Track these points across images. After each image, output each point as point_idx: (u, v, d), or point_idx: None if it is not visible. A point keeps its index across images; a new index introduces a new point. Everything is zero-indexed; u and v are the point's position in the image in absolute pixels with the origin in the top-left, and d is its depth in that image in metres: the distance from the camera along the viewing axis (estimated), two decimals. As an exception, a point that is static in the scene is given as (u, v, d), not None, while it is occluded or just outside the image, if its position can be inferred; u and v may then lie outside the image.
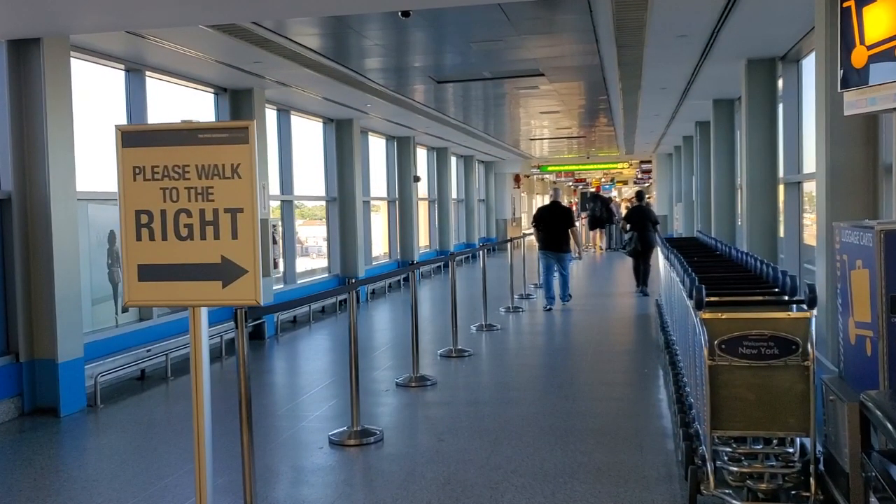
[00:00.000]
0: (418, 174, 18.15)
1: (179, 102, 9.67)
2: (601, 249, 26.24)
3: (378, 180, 17.19)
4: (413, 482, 4.83)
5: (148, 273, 3.58)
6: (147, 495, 4.76)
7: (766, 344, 4.06)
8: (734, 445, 4.30)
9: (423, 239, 20.74)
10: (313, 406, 6.96)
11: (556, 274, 12.52)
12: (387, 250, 17.89)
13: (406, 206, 17.68)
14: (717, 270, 6.49)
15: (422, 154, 20.43)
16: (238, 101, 10.16)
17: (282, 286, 11.98)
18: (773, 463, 4.21)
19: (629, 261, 15.38)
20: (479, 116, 17.15)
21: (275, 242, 10.31)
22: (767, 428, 4.14)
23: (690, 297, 4.66)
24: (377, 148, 17.17)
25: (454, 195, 22.94)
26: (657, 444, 5.45)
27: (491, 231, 28.52)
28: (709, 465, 4.18)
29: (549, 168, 34.28)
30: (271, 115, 11.77)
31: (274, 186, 11.93)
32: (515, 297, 13.04)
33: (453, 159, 22.97)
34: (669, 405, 6.29)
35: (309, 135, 13.61)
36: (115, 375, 7.47)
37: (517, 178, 31.41)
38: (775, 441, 4.26)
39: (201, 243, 3.53)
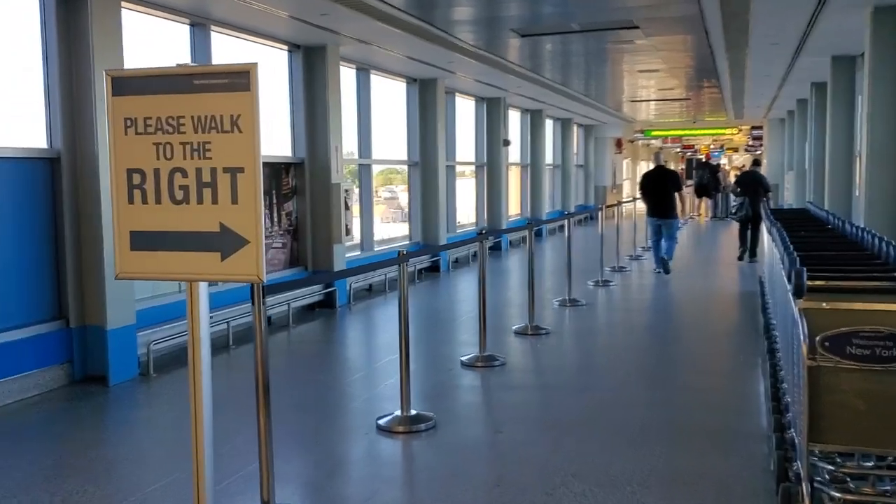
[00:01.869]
0: (509, 138, 17.42)
1: (250, 60, 9.26)
2: (705, 217, 25.21)
3: (466, 144, 16.57)
4: (459, 481, 4.27)
5: (141, 241, 3.11)
6: (182, 475, 4.37)
7: (882, 343, 3.29)
8: (838, 462, 3.57)
9: (514, 206, 20.05)
10: (371, 384, 6.49)
11: (664, 240, 12.35)
12: (474, 218, 17.31)
13: (495, 172, 17.00)
14: (825, 248, 5.66)
15: (514, 117, 19.65)
16: (311, 59, 9.70)
17: (358, 253, 11.57)
18: (888, 487, 3.46)
19: (735, 229, 14.68)
20: (576, 76, 16.28)
21: (347, 208, 9.86)
22: (881, 444, 3.39)
23: (789, 280, 3.92)
24: (465, 110, 16.53)
25: (549, 160, 22.09)
26: (748, 448, 4.71)
27: (589, 198, 27.46)
28: (805, 486, 3.46)
29: (654, 133, 32.92)
30: (349, 74, 11.28)
31: (352, 148, 11.49)
32: (606, 269, 12.27)
33: (549, 122, 22.09)
34: (766, 401, 5.54)
35: (391, 95, 13.09)
36: (172, 343, 7.16)
37: (619, 143, 30.26)
38: (890, 459, 3.51)
39: (198, 208, 3.03)
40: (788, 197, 19.78)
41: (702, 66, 14.25)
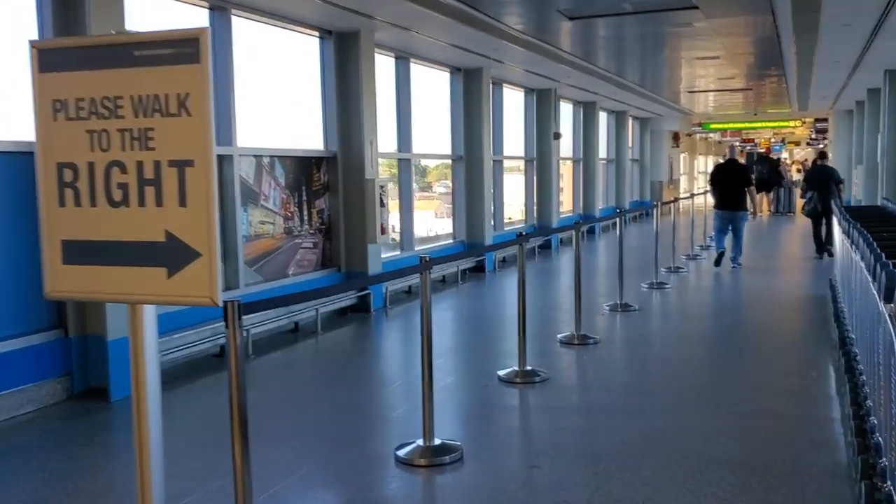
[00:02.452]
0: (559, 131, 16.63)
1: (278, 47, 8.72)
2: (768, 213, 24.15)
3: (515, 138, 15.84)
4: (482, 532, 3.61)
5: (74, 253, 2.52)
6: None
7: None
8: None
9: (566, 203, 19.26)
10: (398, 402, 5.86)
11: (730, 233, 12.29)
12: (523, 215, 16.58)
13: (545, 167, 16.23)
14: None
15: (566, 109, 18.84)
16: (345, 45, 9.09)
17: (397, 253, 10.97)
18: None
19: (797, 226, 14.09)
20: (630, 64, 15.45)
21: (383, 205, 9.24)
22: None
23: (876, 281, 3.47)
24: (514, 102, 15.80)
25: (602, 154, 21.21)
26: (827, 487, 3.96)
27: (644, 194, 26.35)
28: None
29: (712, 125, 31.78)
30: (387, 62, 10.66)
31: (390, 143, 10.88)
32: (662, 269, 11.46)
33: (602, 115, 21.19)
34: (844, 427, 4.76)
35: (434, 86, 12.45)
36: (183, 354, 6.64)
37: (676, 137, 29.19)
38: None
39: (139, 212, 2.43)
40: (857, 192, 18.60)
41: (766, 52, 13.31)
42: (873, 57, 12.37)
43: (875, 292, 3.89)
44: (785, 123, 31.56)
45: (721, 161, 13.09)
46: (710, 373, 6.48)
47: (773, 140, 42.95)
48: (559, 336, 7.58)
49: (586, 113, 19.57)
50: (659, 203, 12.27)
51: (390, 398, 5.99)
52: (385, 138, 10.30)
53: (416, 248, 11.36)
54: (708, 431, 4.90)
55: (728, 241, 12.44)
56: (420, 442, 4.61)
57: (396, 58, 10.90)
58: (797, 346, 7.50)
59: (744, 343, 7.62)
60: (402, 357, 7.78)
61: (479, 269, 12.62)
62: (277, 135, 8.60)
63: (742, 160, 26.90)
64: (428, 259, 4.62)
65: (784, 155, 46.43)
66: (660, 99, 21.30)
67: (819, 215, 13.24)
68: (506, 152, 14.98)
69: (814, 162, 22.60)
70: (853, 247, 5.85)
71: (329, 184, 9.20)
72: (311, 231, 8.95)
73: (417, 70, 11.48)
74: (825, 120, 28.06)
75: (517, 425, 5.37)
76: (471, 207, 12.82)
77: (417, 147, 11.45)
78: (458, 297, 10.81)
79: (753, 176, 23.09)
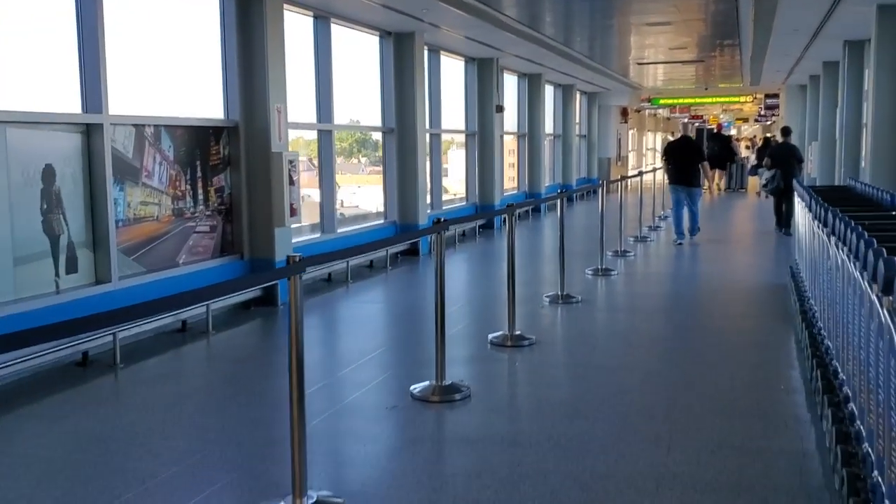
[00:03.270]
0: (502, 104, 15.55)
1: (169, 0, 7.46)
2: (718, 190, 23.62)
3: (454, 110, 14.71)
4: None
5: None
6: None
7: None
8: None
9: (510, 180, 18.24)
10: (281, 435, 4.74)
11: (686, 208, 12.37)
12: (464, 192, 15.51)
13: (486, 142, 15.15)
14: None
15: (510, 81, 17.77)
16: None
17: (317, 236, 9.82)
18: None
19: (749, 203, 13.83)
20: (578, 33, 14.46)
21: (291, 183, 8.06)
22: None
23: (869, 273, 3.04)
24: (454, 72, 14.66)
25: (549, 130, 20.21)
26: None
27: (592, 171, 25.46)
28: None
29: (662, 101, 31.00)
30: (301, 21, 9.44)
31: (307, 113, 9.69)
32: (608, 254, 10.49)
33: (549, 88, 20.18)
34: (826, 459, 3.82)
35: (362, 51, 11.26)
36: (40, 362, 5.47)
37: (624, 112, 28.47)
38: None
39: None
40: (812, 170, 17.90)
41: (721, 19, 12.38)
42: (834, 26, 11.52)
43: (865, 285, 3.13)
44: (736, 99, 30.97)
45: (673, 138, 13.09)
46: (660, 387, 5.48)
47: (722, 117, 42.63)
48: (490, 336, 6.54)
49: (531, 86, 18.50)
50: (605, 182, 11.31)
51: (272, 427, 4.86)
52: (302, 106, 9.13)
53: (339, 231, 10.22)
54: (659, 472, 3.89)
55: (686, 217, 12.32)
56: (289, 498, 3.52)
57: (315, 17, 9.68)
58: (760, 349, 6.54)
59: (699, 346, 6.65)
60: (309, 365, 6.63)
61: (413, 251, 11.52)
62: (166, 101, 7.38)
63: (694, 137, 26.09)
64: (299, 259, 3.49)
65: (732, 132, 46.15)
66: (608, 72, 20.40)
67: (782, 192, 13.09)
68: (444, 125, 13.84)
69: (765, 140, 22.10)
70: (824, 231, 4.92)
71: (230, 158, 8.01)
72: (208, 213, 7.76)
73: (341, 33, 10.27)
74: (776, 96, 27.49)
75: (428, 461, 4.27)
76: (403, 185, 11.70)
77: (341, 118, 10.27)
78: (385, 287, 9.72)
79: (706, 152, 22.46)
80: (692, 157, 12.38)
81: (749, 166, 22.99)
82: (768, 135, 29.15)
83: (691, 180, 12.27)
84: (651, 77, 23.93)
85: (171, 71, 7.58)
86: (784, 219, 13.21)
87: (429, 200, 12.65)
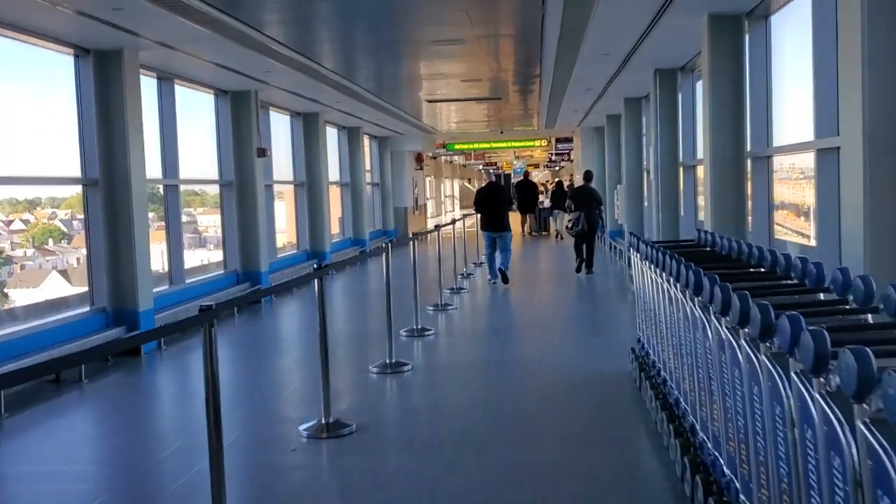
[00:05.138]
0: (264, 146, 12.63)
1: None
2: (524, 234, 24.47)
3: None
4: None
5: None
6: None
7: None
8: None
9: (291, 234, 16.13)
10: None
11: (498, 251, 12.85)
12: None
13: (247, 192, 12.35)
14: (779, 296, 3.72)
15: (282, 120, 15.35)
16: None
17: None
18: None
19: (555, 245, 14.54)
20: (362, 65, 12.48)
21: None
22: None
23: (796, 357, 2.50)
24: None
25: (332, 177, 17.69)
26: None
27: (388, 222, 23.63)
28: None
29: (457, 145, 30.23)
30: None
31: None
32: (401, 334, 8.64)
33: (331, 130, 18.15)
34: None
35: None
36: None
37: (419, 158, 26.49)
38: None
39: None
40: (620, 215, 16.41)
41: (524, 37, 10.42)
42: (647, 51, 9.77)
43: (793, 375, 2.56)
44: (530, 143, 30.45)
45: (482, 184, 13.58)
46: (480, 474, 4.69)
47: (516, 163, 41.64)
48: (302, 428, 5.49)
49: (307, 127, 15.83)
50: (413, 236, 9.99)
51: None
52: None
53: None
54: None
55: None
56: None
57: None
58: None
59: (530, 434, 5.47)
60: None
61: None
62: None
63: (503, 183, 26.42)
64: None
65: (535, 178, 46.45)
66: (398, 111, 17.97)
67: (584, 235, 13.64)
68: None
69: (558, 184, 22.60)
70: (697, 309, 3.86)
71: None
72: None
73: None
74: (569, 140, 27.88)
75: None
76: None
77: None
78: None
79: (515, 201, 22.93)
80: (501, 204, 12.87)
81: (545, 209, 24.10)
82: (559, 179, 30.08)
83: (502, 224, 12.70)
84: (444, 119, 22.51)
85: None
86: (586, 259, 13.69)
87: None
